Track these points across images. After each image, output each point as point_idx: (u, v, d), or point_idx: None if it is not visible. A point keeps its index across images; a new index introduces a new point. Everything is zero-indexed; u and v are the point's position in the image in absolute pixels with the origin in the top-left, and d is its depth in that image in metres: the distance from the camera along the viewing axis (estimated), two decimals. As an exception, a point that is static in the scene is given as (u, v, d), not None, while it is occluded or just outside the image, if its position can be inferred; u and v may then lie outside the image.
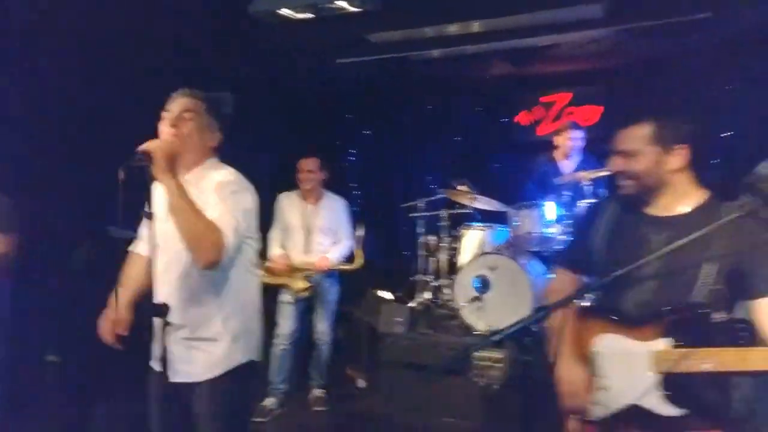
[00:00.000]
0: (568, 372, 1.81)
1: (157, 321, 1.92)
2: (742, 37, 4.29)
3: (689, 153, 1.74)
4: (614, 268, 1.66)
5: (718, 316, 1.67)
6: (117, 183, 1.77)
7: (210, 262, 1.90)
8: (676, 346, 1.64)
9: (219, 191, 1.99)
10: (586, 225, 1.96)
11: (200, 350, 2.05)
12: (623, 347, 1.72)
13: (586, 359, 1.79)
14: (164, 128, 2.04)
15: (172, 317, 1.98)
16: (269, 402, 3.96)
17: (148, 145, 1.86)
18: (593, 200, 4.04)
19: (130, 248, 2.33)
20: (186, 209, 1.86)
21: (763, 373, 1.54)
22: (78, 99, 4.19)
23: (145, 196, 1.89)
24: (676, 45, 4.65)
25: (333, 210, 4.20)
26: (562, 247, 4.00)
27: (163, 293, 2.03)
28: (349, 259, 4.19)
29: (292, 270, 4.02)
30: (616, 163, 1.81)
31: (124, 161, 1.81)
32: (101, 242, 3.95)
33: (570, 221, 4.17)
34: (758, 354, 1.54)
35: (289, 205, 4.18)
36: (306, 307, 4.15)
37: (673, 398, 1.64)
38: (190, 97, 2.07)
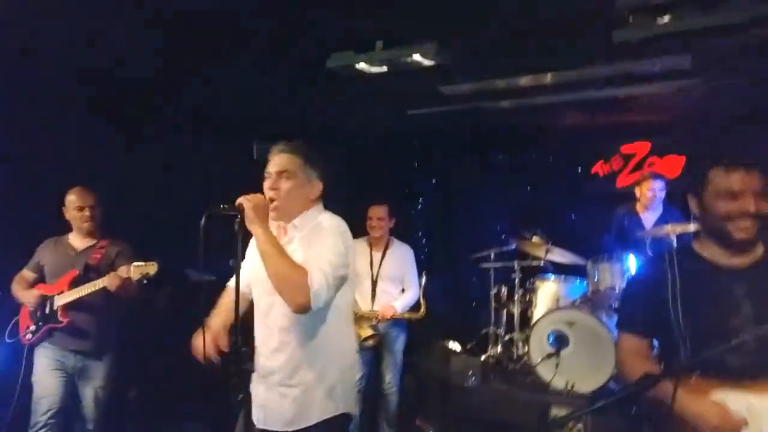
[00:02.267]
0: (706, 407, 1.68)
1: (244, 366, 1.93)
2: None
3: None
4: (701, 329, 1.71)
5: None
6: (197, 228, 1.81)
7: (298, 305, 1.89)
8: None
9: (314, 236, 2.04)
10: (653, 284, 1.88)
11: (293, 398, 2.03)
12: (746, 407, 1.66)
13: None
14: (266, 188, 2.09)
15: (268, 362, 2.01)
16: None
17: (241, 200, 1.94)
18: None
19: (228, 283, 2.34)
20: (271, 254, 1.90)
21: None
22: (163, 150, 4.44)
23: (234, 245, 1.92)
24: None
25: (400, 258, 4.19)
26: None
27: (261, 337, 2.08)
28: (414, 307, 4.15)
29: (358, 317, 4.00)
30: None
31: (208, 209, 1.86)
32: (181, 285, 4.11)
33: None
34: None
35: (356, 252, 4.16)
36: (372, 356, 4.11)
37: None
38: (287, 153, 2.11)
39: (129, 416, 3.96)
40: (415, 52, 3.93)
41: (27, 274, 3.34)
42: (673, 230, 4.01)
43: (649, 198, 4.51)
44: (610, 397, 1.58)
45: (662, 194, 4.49)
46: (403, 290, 4.16)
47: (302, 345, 2.03)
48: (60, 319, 3.14)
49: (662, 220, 4.37)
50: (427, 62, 4.05)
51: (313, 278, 1.88)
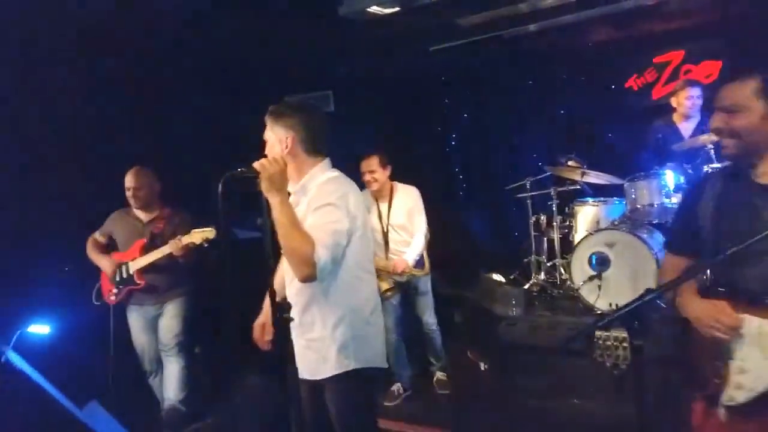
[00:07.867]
0: (702, 307, 1.71)
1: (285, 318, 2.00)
2: None
3: None
4: (726, 246, 1.58)
5: None
6: (229, 191, 1.87)
7: (303, 276, 1.95)
8: None
9: (317, 200, 2.04)
10: (691, 203, 1.84)
11: (312, 350, 2.14)
12: (756, 327, 1.63)
13: (715, 340, 1.69)
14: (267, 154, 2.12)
15: (294, 315, 2.06)
16: (396, 387, 4.05)
17: (256, 164, 1.95)
18: (717, 165, 3.73)
19: None
20: (283, 224, 1.93)
21: None
22: (188, 103, 4.54)
23: (258, 207, 1.96)
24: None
25: (406, 202, 4.00)
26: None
27: (289, 293, 2.19)
28: (419, 263, 3.99)
29: (377, 270, 3.85)
30: (717, 120, 1.70)
31: (226, 174, 1.89)
32: (229, 243, 4.27)
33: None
34: None
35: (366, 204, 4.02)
36: (401, 300, 4.03)
37: None
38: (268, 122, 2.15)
39: (198, 372, 4.23)
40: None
41: (99, 238, 3.82)
42: (709, 139, 3.86)
43: (688, 107, 4.33)
44: (617, 312, 1.55)
45: (700, 101, 4.30)
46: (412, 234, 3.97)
47: (315, 302, 2.10)
48: (137, 281, 3.64)
49: (699, 130, 4.21)
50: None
51: (319, 254, 1.93)
